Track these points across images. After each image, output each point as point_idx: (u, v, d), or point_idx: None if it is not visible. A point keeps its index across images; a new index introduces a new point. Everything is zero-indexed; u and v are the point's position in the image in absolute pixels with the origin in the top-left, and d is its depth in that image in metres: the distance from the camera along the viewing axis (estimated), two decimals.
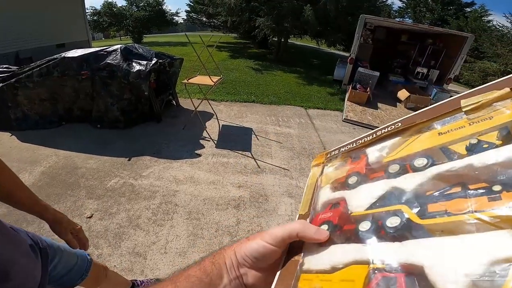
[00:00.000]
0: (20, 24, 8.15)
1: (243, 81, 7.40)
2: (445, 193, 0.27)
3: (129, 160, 3.11)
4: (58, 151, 3.18)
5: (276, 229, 0.35)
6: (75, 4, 10.79)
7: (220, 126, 4.25)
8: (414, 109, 5.99)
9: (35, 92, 3.51)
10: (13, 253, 0.65)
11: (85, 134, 3.63)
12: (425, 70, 7.61)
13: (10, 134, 3.48)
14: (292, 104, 5.82)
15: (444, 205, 0.26)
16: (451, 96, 0.39)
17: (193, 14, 18.27)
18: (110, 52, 3.66)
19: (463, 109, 0.33)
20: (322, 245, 0.32)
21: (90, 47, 8.17)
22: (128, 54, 3.74)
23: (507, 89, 0.30)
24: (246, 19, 10.63)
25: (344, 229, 0.32)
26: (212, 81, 3.75)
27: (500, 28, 12.85)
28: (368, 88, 6.29)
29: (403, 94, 6.54)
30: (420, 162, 0.32)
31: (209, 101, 4.70)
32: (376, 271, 0.26)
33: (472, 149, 0.29)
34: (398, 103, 6.48)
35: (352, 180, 0.37)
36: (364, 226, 0.30)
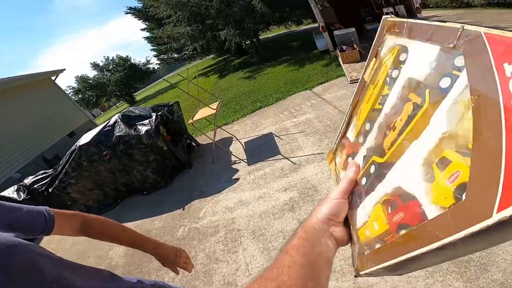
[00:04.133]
0: (31, 129, 8.98)
1: (242, 93, 7.59)
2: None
3: (183, 209, 3.37)
4: (128, 224, 3.51)
5: (337, 189, 0.45)
6: (58, 94, 11.49)
7: (243, 144, 4.41)
8: None
9: (81, 185, 3.88)
10: None
11: (139, 204, 3.97)
12: (391, 9, 7.47)
13: None
14: (296, 92, 5.87)
15: (385, 143, 0.40)
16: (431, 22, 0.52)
17: (162, 55, 18.13)
18: (113, 126, 3.83)
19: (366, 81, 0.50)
20: (352, 208, 0.44)
21: (95, 125, 8.77)
22: (129, 120, 3.90)
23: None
24: (211, 37, 10.85)
25: (358, 190, 0.44)
26: (213, 109, 3.89)
27: None
28: (355, 45, 6.28)
29: None
30: (367, 127, 0.47)
31: (221, 127, 4.90)
32: (383, 203, 0.38)
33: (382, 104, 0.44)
34: None
35: (349, 160, 0.51)
36: (363, 182, 0.43)
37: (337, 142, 0.58)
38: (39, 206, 0.77)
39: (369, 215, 0.40)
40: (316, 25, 10.14)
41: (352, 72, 5.46)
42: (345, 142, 0.54)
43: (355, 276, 0.40)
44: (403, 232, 0.32)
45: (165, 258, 1.01)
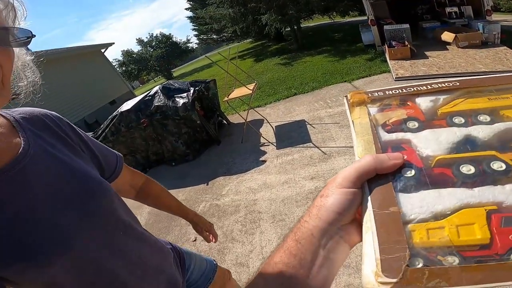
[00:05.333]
0: (78, 94, 9.70)
1: (277, 78, 7.46)
2: (510, 145, 0.33)
3: (207, 185, 3.42)
4: None
5: (348, 172, 0.33)
6: (105, 65, 12.36)
7: (274, 128, 4.36)
8: (468, 47, 5.42)
9: (116, 150, 4.06)
10: (161, 262, 0.75)
11: (165, 174, 4.10)
12: (455, 9, 6.82)
13: None
14: (334, 83, 5.65)
15: None
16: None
17: (202, 36, 18.59)
18: (153, 96, 4.01)
19: None
20: (410, 191, 0.31)
21: (134, 96, 9.21)
22: (168, 92, 4.05)
23: None
24: (251, 21, 10.73)
25: (435, 173, 0.33)
26: (250, 90, 3.91)
27: None
28: (406, 42, 5.85)
29: (447, 36, 5.92)
30: (483, 117, 0.37)
31: (254, 109, 4.87)
32: (492, 213, 0.28)
33: None
34: (448, 46, 5.86)
35: (412, 124, 0.39)
36: (466, 169, 0.32)
37: (391, 92, 0.45)
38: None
39: (442, 214, 0.30)
40: (363, 18, 9.71)
41: (399, 69, 5.09)
42: (409, 102, 0.43)
43: None
44: None
45: (202, 226, 1.10)
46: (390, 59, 5.66)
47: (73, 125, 0.65)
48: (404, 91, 0.44)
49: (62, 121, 0.62)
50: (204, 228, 1.10)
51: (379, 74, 5.40)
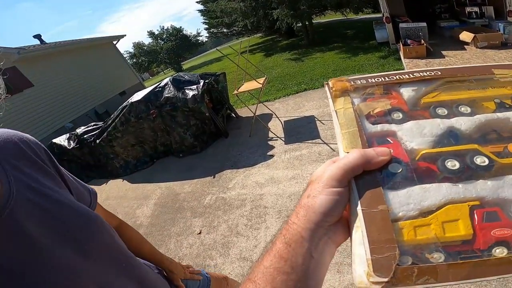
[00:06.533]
0: (89, 84, 9.85)
1: (287, 74, 7.39)
2: (489, 137, 0.34)
3: (213, 177, 3.41)
4: (159, 184, 3.69)
5: (335, 170, 0.32)
6: (116, 57, 12.53)
7: (282, 123, 4.32)
8: (487, 47, 5.26)
9: (125, 140, 4.13)
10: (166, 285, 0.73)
11: (173, 165, 4.12)
12: (476, 9, 6.60)
13: (122, 180, 4.23)
14: None
15: (502, 147, 0.33)
16: None
17: (212, 29, 18.52)
18: (163, 87, 4.02)
19: (496, 77, 0.40)
20: (397, 188, 0.31)
21: (144, 87, 9.28)
22: (178, 84, 4.06)
23: None
24: (262, 16, 10.63)
25: (421, 167, 0.32)
26: (260, 83, 3.87)
27: None
28: (422, 40, 5.69)
29: (466, 35, 5.75)
30: (464, 109, 0.38)
31: (263, 103, 4.84)
32: (475, 208, 0.29)
33: (498, 107, 0.37)
34: (466, 46, 5.69)
35: (396, 115, 0.39)
36: (451, 164, 0.32)
37: (374, 81, 0.43)
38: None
39: (428, 211, 0.30)
40: (377, 15, 9.49)
41: (413, 68, 4.97)
42: (392, 92, 0.42)
43: None
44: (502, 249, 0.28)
45: (177, 273, 0.99)
46: (404, 58, 5.54)
47: (49, 152, 0.57)
48: (387, 79, 0.43)
49: (39, 147, 0.54)
50: (180, 276, 0.98)
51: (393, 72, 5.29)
